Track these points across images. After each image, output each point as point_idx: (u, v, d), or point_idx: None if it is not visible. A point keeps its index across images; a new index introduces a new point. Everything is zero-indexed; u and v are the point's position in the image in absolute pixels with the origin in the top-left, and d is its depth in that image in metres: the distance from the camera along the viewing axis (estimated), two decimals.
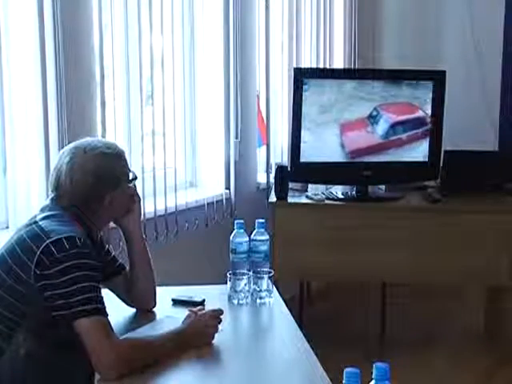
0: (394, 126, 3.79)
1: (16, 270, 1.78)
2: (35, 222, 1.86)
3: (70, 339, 1.77)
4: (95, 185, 1.94)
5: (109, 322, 1.78)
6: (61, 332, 1.78)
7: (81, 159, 1.94)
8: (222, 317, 2.00)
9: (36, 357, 1.79)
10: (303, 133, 3.64)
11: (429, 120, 3.80)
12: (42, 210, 1.93)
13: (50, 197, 1.98)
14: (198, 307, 2.06)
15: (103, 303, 1.78)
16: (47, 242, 1.76)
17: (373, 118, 3.75)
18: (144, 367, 1.77)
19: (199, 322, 1.94)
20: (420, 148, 3.80)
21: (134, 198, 2.10)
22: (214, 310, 2.00)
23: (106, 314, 1.77)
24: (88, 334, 1.74)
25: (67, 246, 1.76)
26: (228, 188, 3.91)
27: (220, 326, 1.99)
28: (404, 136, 3.80)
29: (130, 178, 2.06)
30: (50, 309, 1.75)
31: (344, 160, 3.73)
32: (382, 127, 3.77)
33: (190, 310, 2.01)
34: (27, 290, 1.77)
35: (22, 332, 1.78)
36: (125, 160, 2.04)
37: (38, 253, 1.75)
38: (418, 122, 3.82)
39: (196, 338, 1.91)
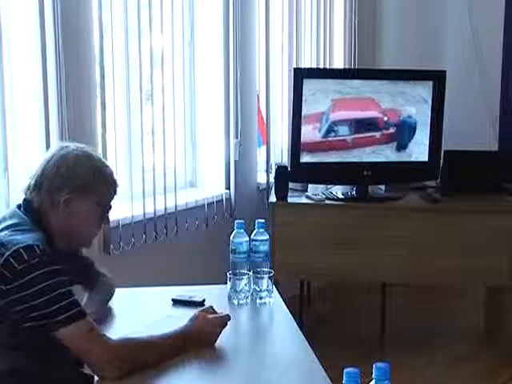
0: (336, 125, 3.63)
1: None
2: None
3: (51, 349, 1.75)
4: (60, 176, 1.84)
5: (91, 322, 1.76)
6: (38, 343, 1.74)
7: (68, 156, 1.86)
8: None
9: (16, 373, 1.74)
10: None
11: (395, 121, 3.68)
12: (4, 218, 1.85)
13: (22, 200, 1.91)
14: (205, 307, 2.04)
15: (79, 305, 1.74)
16: (6, 255, 1.69)
17: (325, 114, 3.63)
18: (145, 366, 1.76)
19: (207, 325, 1.93)
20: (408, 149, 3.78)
21: (102, 221, 1.95)
22: (223, 317, 1.98)
23: (85, 315, 1.74)
24: (76, 342, 1.71)
25: (26, 257, 1.68)
26: (228, 188, 3.91)
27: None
28: (349, 138, 3.68)
29: (105, 204, 1.93)
30: (21, 322, 1.70)
31: (344, 160, 3.73)
32: (324, 124, 3.63)
33: (200, 311, 1.98)
34: None
35: None
36: (110, 187, 1.93)
37: None
38: (375, 123, 3.71)
39: (199, 339, 1.90)
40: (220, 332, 1.94)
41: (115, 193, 1.95)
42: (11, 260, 1.69)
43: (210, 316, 1.96)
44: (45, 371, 1.78)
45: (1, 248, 1.72)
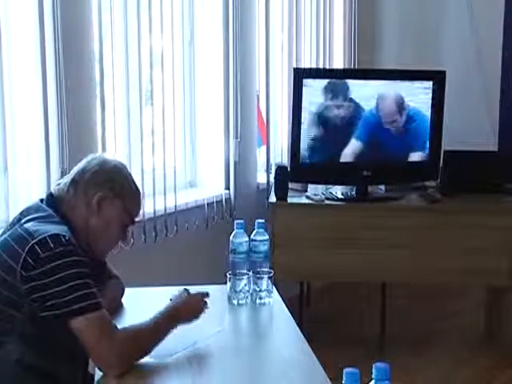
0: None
1: (3, 275, 1.75)
2: (20, 225, 1.83)
3: (60, 345, 1.77)
4: (100, 175, 1.93)
5: (106, 315, 1.77)
6: (49, 337, 1.76)
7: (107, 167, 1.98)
8: (223, 316, 2.01)
9: (27, 363, 1.76)
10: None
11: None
12: (28, 211, 1.90)
13: (46, 195, 1.97)
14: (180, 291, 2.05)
15: (97, 297, 1.76)
16: (32, 242, 1.74)
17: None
18: (144, 354, 1.79)
19: (190, 300, 1.97)
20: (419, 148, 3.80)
21: (123, 235, 2.02)
22: (200, 292, 2.04)
23: (101, 308, 1.76)
24: (86, 333, 1.73)
25: (52, 245, 1.73)
26: (228, 188, 3.91)
27: (220, 327, 2.00)
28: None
29: (131, 215, 2.01)
30: (38, 311, 1.73)
31: (344, 160, 3.73)
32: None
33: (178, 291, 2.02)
34: (14, 294, 1.74)
35: (13, 339, 1.75)
36: (139, 202, 2.04)
37: (24, 255, 1.72)
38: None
39: (186, 313, 1.93)
40: (204, 302, 1.97)
41: (139, 210, 2.06)
42: (36, 247, 1.73)
43: (190, 294, 2.00)
44: (51, 367, 1.80)
45: (27, 236, 1.76)
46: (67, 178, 1.97)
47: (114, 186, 1.94)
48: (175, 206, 3.50)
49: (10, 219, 2.69)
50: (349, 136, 3.71)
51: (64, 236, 1.77)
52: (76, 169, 1.97)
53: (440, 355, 3.78)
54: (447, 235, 3.63)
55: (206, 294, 2.02)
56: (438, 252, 3.63)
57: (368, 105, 3.69)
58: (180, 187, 3.65)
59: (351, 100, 3.67)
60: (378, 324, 3.99)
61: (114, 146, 3.22)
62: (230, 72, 3.84)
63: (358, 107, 3.69)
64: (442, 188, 3.83)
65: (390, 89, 3.72)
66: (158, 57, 3.43)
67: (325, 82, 3.65)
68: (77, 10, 2.92)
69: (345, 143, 3.71)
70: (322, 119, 3.66)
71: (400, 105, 3.73)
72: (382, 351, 3.81)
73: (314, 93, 3.62)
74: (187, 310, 1.94)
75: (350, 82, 3.69)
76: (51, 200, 1.93)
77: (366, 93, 3.69)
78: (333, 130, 3.69)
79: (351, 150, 3.72)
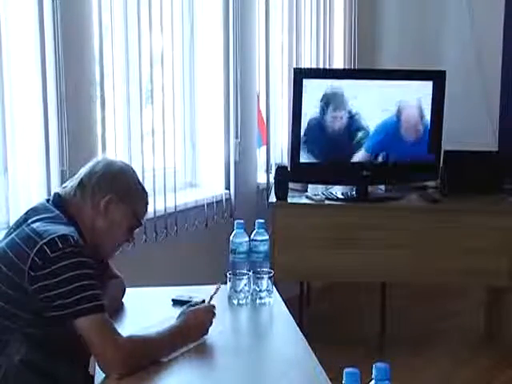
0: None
1: (10, 274, 1.76)
2: (27, 225, 1.84)
3: (63, 345, 1.78)
4: (106, 178, 1.95)
5: (108, 318, 1.78)
6: (52, 337, 1.77)
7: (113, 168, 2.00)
8: (223, 316, 2.00)
9: (30, 362, 1.77)
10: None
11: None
12: (34, 211, 1.91)
13: (52, 195, 1.98)
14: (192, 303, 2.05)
15: (100, 299, 1.77)
16: (40, 243, 1.74)
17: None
18: (147, 364, 1.78)
19: (195, 317, 1.96)
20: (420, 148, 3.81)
21: (129, 236, 2.03)
22: (207, 306, 2.02)
23: (104, 311, 1.77)
24: (90, 333, 1.73)
25: (60, 246, 1.74)
26: (228, 188, 3.91)
27: (220, 326, 2.00)
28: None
29: (138, 217, 2.03)
30: (44, 311, 1.74)
31: (343, 160, 3.73)
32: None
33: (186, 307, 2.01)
34: (21, 294, 1.74)
35: (17, 338, 1.76)
36: (146, 203, 2.06)
37: (32, 255, 1.73)
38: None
39: (193, 332, 1.92)
40: (210, 319, 1.96)
41: (146, 211, 2.08)
42: (45, 247, 1.74)
43: (195, 308, 1.99)
44: (53, 366, 1.80)
45: (36, 237, 1.77)
46: (74, 181, 1.97)
47: (119, 190, 1.96)
48: (175, 206, 3.50)
49: (11, 220, 2.71)
50: (352, 141, 3.71)
51: (72, 237, 1.78)
52: (83, 171, 1.98)
53: (440, 355, 3.78)
54: (447, 235, 3.63)
55: (213, 306, 2.01)
56: (438, 252, 3.63)
57: (371, 111, 3.69)
58: (180, 187, 3.65)
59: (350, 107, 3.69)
60: (377, 324, 3.99)
61: (114, 145, 3.22)
62: (230, 72, 3.84)
63: (357, 114, 3.69)
64: (442, 188, 3.83)
65: (392, 90, 3.72)
66: (158, 56, 3.43)
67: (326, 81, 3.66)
68: (77, 9, 2.92)
69: (349, 147, 3.71)
70: (322, 122, 3.67)
71: (421, 112, 3.73)
72: (382, 351, 3.81)
73: (314, 93, 3.62)
74: (193, 329, 1.93)
75: (351, 82, 3.70)
76: (58, 201, 1.94)
77: (366, 95, 3.69)
78: (334, 133, 3.69)
79: (351, 149, 3.72)
